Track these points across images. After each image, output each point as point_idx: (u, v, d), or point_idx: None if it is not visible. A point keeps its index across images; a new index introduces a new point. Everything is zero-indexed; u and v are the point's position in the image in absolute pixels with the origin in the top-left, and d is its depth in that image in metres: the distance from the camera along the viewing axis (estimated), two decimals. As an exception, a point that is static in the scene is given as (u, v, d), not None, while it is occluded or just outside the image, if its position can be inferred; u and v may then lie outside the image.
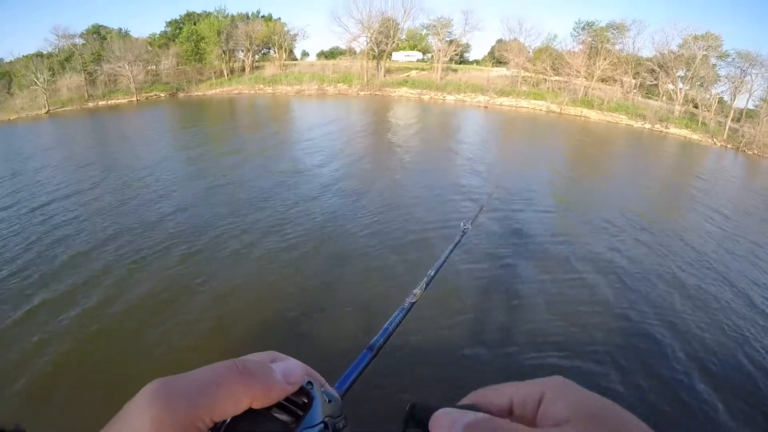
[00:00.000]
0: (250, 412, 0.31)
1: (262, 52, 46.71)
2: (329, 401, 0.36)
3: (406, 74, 39.05)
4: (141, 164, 14.08)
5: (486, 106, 36.35)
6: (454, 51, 39.75)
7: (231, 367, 0.30)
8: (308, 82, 39.13)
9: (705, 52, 42.00)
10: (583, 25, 41.51)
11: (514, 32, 40.25)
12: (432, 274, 1.12)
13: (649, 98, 41.75)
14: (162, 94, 43.82)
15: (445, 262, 1.21)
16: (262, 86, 40.77)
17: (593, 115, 38.25)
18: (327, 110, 31.30)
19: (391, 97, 37.33)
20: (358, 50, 41.21)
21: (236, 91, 41.38)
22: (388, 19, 40.69)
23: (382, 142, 18.25)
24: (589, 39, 40.66)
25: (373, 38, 39.99)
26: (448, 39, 39.96)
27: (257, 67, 44.26)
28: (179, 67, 45.27)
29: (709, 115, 42.11)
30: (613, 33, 40.98)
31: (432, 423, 0.30)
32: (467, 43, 41.89)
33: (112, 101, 45.38)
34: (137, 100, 44.48)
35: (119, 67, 45.26)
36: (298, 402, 0.34)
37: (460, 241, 1.55)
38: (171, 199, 10.59)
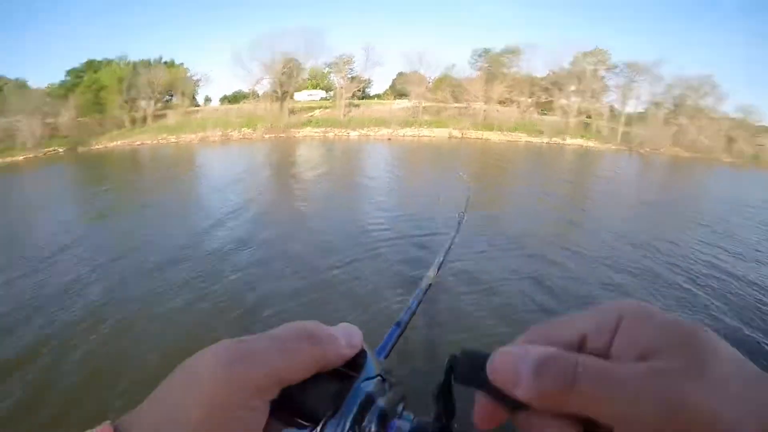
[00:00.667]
0: (316, 374, 0.33)
1: (165, 99, 45.56)
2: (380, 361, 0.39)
3: (310, 114, 39.34)
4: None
5: (390, 139, 37.11)
6: (357, 87, 40.50)
7: (300, 332, 0.31)
8: (212, 128, 38.57)
9: (594, 67, 44.88)
10: (480, 52, 43.66)
11: (414, 64, 41.50)
12: (441, 260, 1.18)
13: (545, 114, 44.07)
14: (61, 150, 41.67)
15: (450, 247, 1.30)
16: (165, 135, 39.69)
17: (494, 136, 39.87)
18: (231, 158, 30.92)
19: (296, 138, 37.42)
20: (261, 92, 41.25)
21: (138, 143, 39.97)
22: (290, 60, 40.89)
23: (290, 191, 17.34)
24: (486, 65, 42.63)
25: (276, 79, 40.08)
26: (351, 76, 40.79)
27: (160, 116, 43.15)
28: (79, 119, 43.45)
29: (602, 123, 45.00)
30: (508, 57, 43.11)
31: (492, 366, 0.25)
32: (369, 79, 42.83)
33: (9, 159, 42.97)
34: (35, 157, 42.37)
35: (16, 120, 43.00)
36: (355, 361, 0.35)
37: (459, 229, 1.65)
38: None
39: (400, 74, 44.27)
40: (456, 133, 39.41)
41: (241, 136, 38.22)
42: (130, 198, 17.08)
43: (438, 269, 1.19)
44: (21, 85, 47.28)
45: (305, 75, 42.26)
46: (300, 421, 0.32)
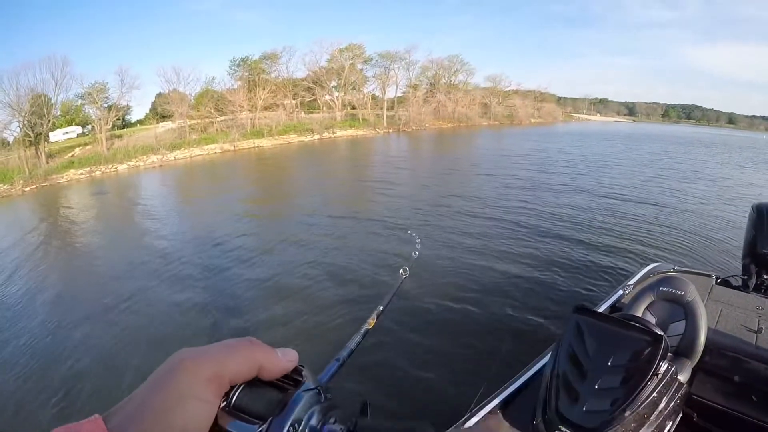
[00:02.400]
0: (257, 380, 0.40)
1: None
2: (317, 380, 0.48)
3: (70, 154, 38.56)
4: None
5: (161, 165, 37.96)
6: (116, 116, 40.11)
7: (243, 340, 0.39)
8: (-47, 195, 35.97)
9: (351, 61, 50.35)
10: (238, 62, 45.76)
11: (173, 83, 41.58)
12: (381, 309, 1.28)
13: (312, 113, 48.76)
14: None
15: (391, 300, 1.34)
16: None
17: (266, 142, 42.91)
18: None
19: (60, 184, 36.30)
20: (11, 140, 39.11)
21: None
22: (39, 96, 38.97)
23: (65, 261, 14.61)
24: (246, 74, 45.23)
25: (26, 121, 38.30)
26: (107, 105, 39.67)
27: None
28: None
29: (366, 112, 51.27)
30: (267, 63, 46.19)
31: None
32: (128, 105, 42.44)
33: None
34: None
35: None
36: (293, 378, 0.43)
37: (401, 285, 1.49)
38: None
39: (159, 95, 44.17)
40: (228, 146, 41.40)
41: (-9, 201, 36.33)
42: None
43: (377, 317, 1.24)
44: None
45: (57, 111, 40.50)
46: (248, 417, 0.39)
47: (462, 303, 7.34)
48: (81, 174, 38.17)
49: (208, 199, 22.27)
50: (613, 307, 3.70)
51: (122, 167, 38.78)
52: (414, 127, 51.97)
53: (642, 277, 4.29)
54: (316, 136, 45.92)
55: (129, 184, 34.11)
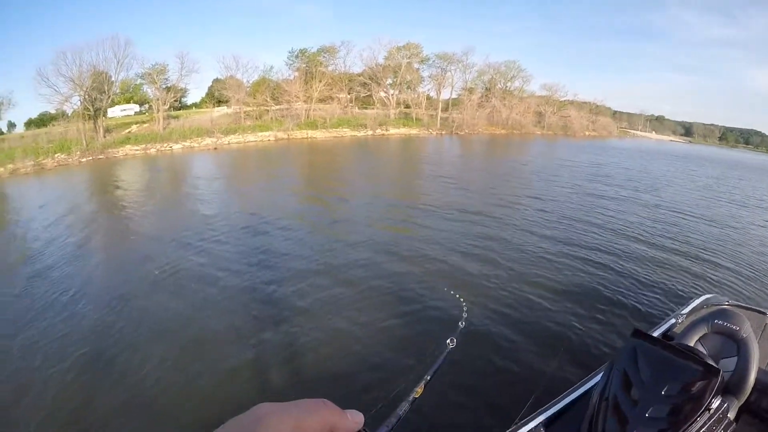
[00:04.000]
0: None
1: (-41, 132, 41.93)
2: None
3: (127, 130, 38.76)
4: None
5: (215, 147, 37.92)
6: (173, 97, 40.29)
7: (319, 401, 0.43)
8: (21, 158, 36.63)
9: (408, 60, 49.48)
10: (296, 53, 45.64)
11: (231, 69, 41.63)
12: (428, 378, 1.31)
13: (366, 108, 47.91)
14: None
15: (438, 369, 1.38)
16: (-37, 171, 36.92)
17: (318, 134, 42.39)
18: (46, 194, 30.11)
19: (116, 158, 36.68)
20: (70, 112, 39.64)
21: None
22: (100, 73, 39.58)
23: (122, 228, 14.06)
24: (303, 65, 44.97)
25: (87, 96, 38.82)
26: (166, 86, 39.91)
27: (-47, 150, 39.70)
28: None
29: (420, 111, 50.09)
30: (324, 56, 45.85)
31: None
32: (185, 87, 42.64)
33: None
34: None
35: None
36: None
37: (446, 356, 1.61)
38: None
39: (217, 80, 44.30)
40: (281, 134, 41.08)
41: (55, 164, 36.53)
42: None
43: (425, 386, 1.29)
44: None
45: (116, 89, 41.06)
46: None
47: (516, 311, 7.00)
48: (136, 150, 38.36)
49: (268, 182, 21.80)
50: (665, 335, 3.65)
51: (177, 147, 38.78)
52: (467, 131, 50.48)
53: (696, 307, 4.23)
54: (369, 132, 45.09)
55: (184, 162, 33.96)
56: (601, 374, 2.66)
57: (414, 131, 47.53)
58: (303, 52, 45.24)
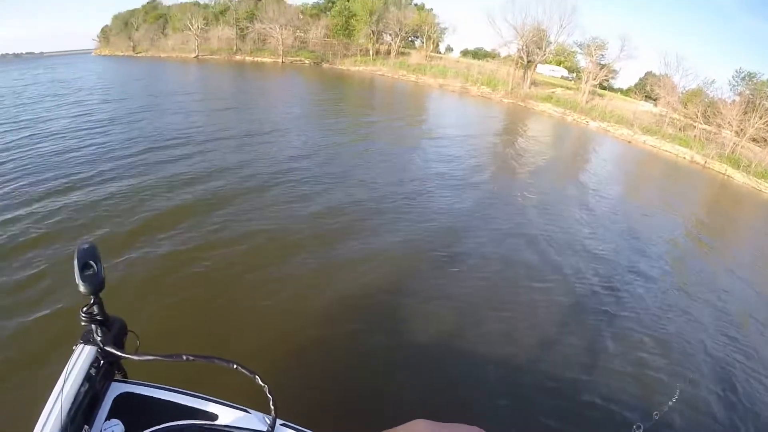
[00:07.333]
0: None
1: (410, 39, 48.08)
2: None
3: (551, 90, 39.03)
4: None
5: (629, 141, 35.79)
6: (604, 76, 39.10)
7: (474, 429, 0.41)
8: (452, 77, 40.01)
9: None
10: (743, 75, 39.64)
11: (671, 68, 38.92)
12: None
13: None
14: (306, 61, 46.27)
15: None
16: (404, 73, 42.17)
17: (738, 176, 36.55)
18: (468, 110, 32.25)
19: (534, 110, 37.48)
20: (503, 55, 41.58)
21: (380, 73, 43.03)
22: (541, 30, 40.62)
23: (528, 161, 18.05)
24: (747, 91, 38.81)
25: (524, 47, 40.16)
26: (601, 62, 39.39)
27: (402, 53, 45.73)
28: (327, 39, 47.57)
29: None
30: (773, 90, 38.92)
31: None
32: (618, 70, 41.03)
33: (258, 58, 48.40)
34: (282, 62, 47.18)
35: (270, 28, 48.12)
36: None
37: None
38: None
39: (650, 74, 41.96)
40: (699, 158, 36.61)
41: (478, 93, 39.20)
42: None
43: None
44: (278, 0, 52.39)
45: (552, 49, 41.66)
46: None
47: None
48: (555, 111, 38.42)
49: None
50: None
51: (593, 124, 37.68)
52: None
53: None
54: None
55: (597, 143, 32.40)
56: None
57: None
58: (751, 76, 39.17)
